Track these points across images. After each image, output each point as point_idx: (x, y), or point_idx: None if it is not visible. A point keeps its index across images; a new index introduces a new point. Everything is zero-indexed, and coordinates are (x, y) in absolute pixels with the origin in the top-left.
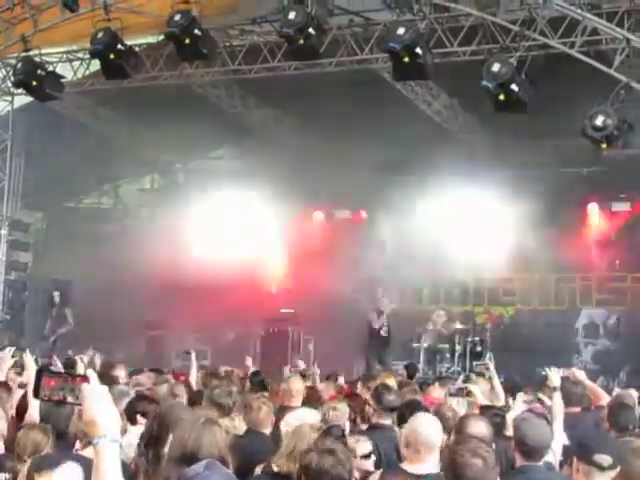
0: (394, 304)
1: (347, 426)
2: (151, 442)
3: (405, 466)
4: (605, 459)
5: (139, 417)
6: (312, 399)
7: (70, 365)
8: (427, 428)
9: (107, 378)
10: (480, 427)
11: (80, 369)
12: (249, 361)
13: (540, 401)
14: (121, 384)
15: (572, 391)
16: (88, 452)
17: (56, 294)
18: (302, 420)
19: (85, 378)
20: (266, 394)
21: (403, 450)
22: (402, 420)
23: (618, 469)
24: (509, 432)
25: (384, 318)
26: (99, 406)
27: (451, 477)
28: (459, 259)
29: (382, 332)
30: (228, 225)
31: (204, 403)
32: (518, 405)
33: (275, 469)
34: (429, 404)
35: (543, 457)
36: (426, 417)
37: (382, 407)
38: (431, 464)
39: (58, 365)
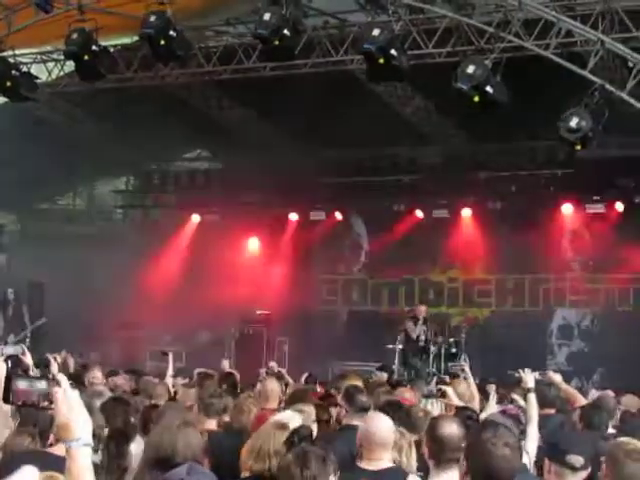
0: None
1: (315, 427)
2: (116, 436)
3: (362, 465)
4: (577, 460)
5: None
6: (296, 400)
7: (44, 364)
8: (379, 426)
9: (81, 380)
10: (452, 428)
11: (54, 368)
12: (225, 364)
13: (512, 401)
14: (97, 385)
15: (546, 393)
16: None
17: (10, 291)
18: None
19: (56, 381)
20: (252, 395)
21: (359, 449)
22: None
23: (589, 469)
24: None
25: (421, 326)
26: (71, 410)
27: (480, 466)
28: (434, 260)
29: (420, 341)
30: (203, 227)
31: (196, 405)
32: (491, 406)
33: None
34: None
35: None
36: (378, 416)
37: (353, 408)
38: (386, 460)
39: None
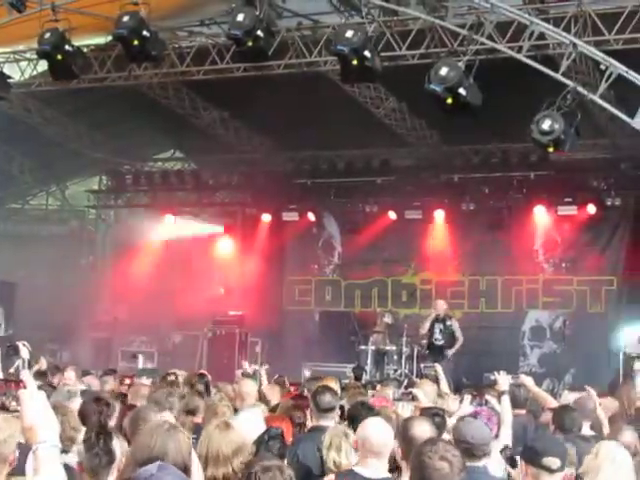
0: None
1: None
2: (102, 433)
3: (358, 469)
4: (554, 462)
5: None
6: (264, 402)
7: (14, 350)
8: (378, 434)
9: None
10: (424, 429)
11: (24, 353)
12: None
13: (486, 403)
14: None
15: (516, 394)
16: None
17: None
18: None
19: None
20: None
21: (358, 453)
22: (352, 421)
23: (565, 471)
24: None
25: (437, 323)
26: (37, 412)
27: (418, 478)
28: (407, 262)
29: (436, 340)
30: (176, 227)
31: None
32: (465, 406)
33: None
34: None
35: (483, 457)
36: (377, 422)
37: (319, 409)
38: (383, 468)
39: None
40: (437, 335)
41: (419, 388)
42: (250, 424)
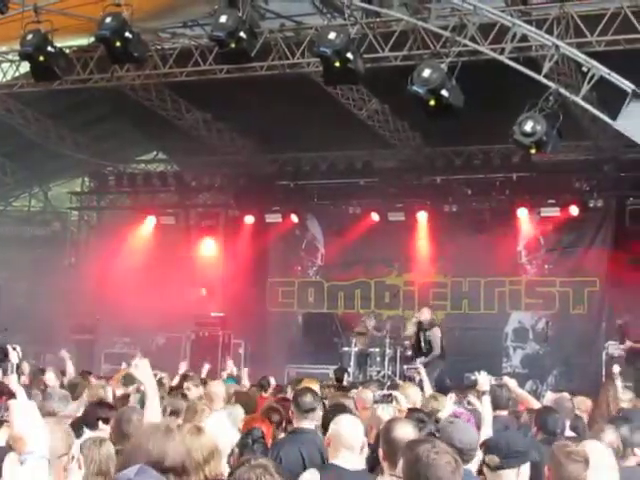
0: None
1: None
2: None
3: (337, 462)
4: (492, 459)
5: (100, 423)
6: (242, 403)
7: (2, 353)
8: (350, 428)
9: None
10: (406, 430)
11: (13, 357)
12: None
13: (469, 403)
14: (50, 388)
15: (498, 394)
16: None
17: None
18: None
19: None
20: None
21: (328, 449)
22: (327, 423)
23: (508, 470)
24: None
25: (419, 329)
26: (26, 422)
27: (415, 476)
28: (390, 263)
29: (423, 349)
30: (159, 229)
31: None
32: (447, 408)
33: None
34: (359, 407)
35: (470, 461)
36: (348, 418)
37: (301, 410)
38: (358, 461)
39: None
40: (422, 344)
41: (401, 391)
42: (220, 427)
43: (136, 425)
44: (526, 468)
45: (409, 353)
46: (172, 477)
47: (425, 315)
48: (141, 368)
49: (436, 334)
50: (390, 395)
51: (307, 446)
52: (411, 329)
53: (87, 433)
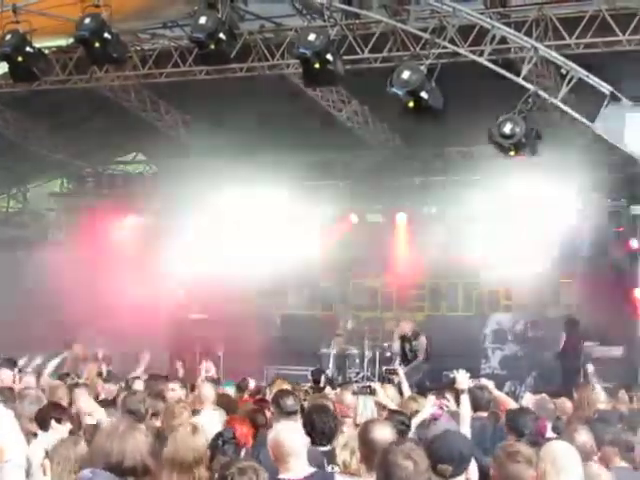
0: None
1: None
2: None
3: (282, 475)
4: (446, 469)
5: (53, 422)
6: (223, 405)
7: None
8: (289, 435)
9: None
10: (384, 432)
11: None
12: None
13: (446, 399)
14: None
15: (479, 396)
16: None
17: None
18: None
19: None
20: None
21: (275, 460)
22: (308, 424)
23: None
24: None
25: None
26: (3, 431)
27: (382, 476)
28: (368, 265)
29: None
30: (138, 230)
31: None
32: (426, 409)
33: None
34: (338, 409)
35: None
36: (287, 425)
37: (283, 412)
38: (300, 469)
39: None
40: (408, 355)
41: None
42: (210, 427)
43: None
44: (473, 467)
45: (387, 354)
46: (131, 479)
47: (404, 329)
48: None
49: (422, 343)
50: (369, 387)
51: None
52: (396, 345)
53: (40, 434)
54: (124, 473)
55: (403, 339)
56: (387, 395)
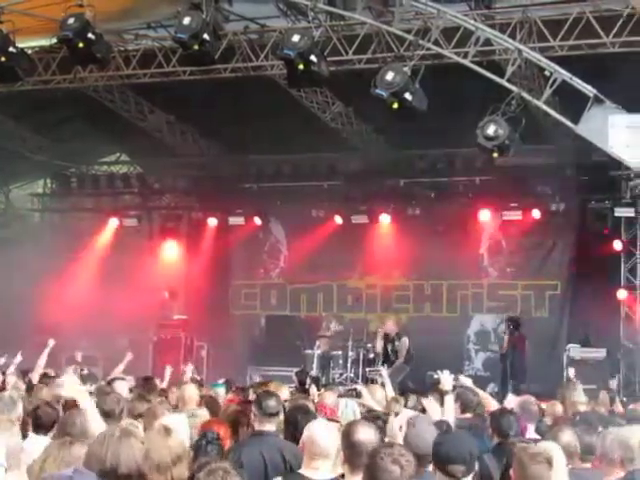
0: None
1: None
2: None
3: (303, 471)
4: (458, 469)
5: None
6: (207, 406)
7: None
8: (322, 435)
9: None
10: (368, 433)
11: None
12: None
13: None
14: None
15: (466, 398)
16: None
17: None
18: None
19: None
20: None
21: (305, 456)
22: (290, 424)
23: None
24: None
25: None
26: None
27: (368, 479)
28: (352, 266)
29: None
30: (121, 231)
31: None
32: (405, 411)
33: None
34: (320, 410)
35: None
36: (322, 424)
37: (264, 413)
38: (327, 470)
39: None
40: (390, 356)
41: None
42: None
43: (80, 429)
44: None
45: (371, 356)
46: None
47: (389, 327)
48: (67, 386)
49: (404, 344)
50: (355, 389)
51: (269, 449)
52: (379, 344)
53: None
54: (119, 478)
55: (386, 338)
56: (375, 397)
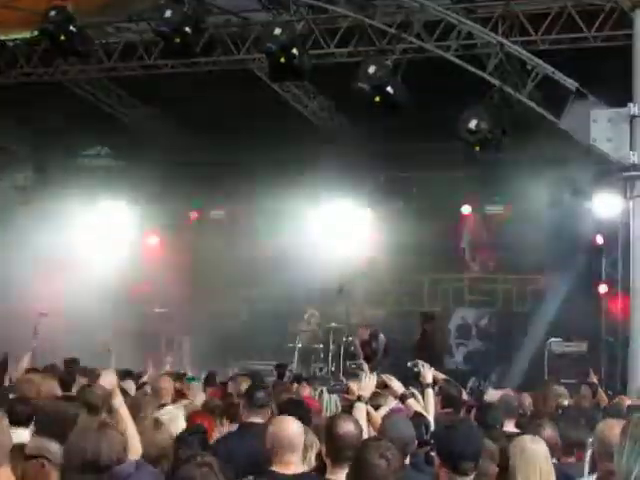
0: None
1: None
2: None
3: (275, 468)
4: (469, 466)
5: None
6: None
7: None
8: (288, 429)
9: None
10: (349, 427)
11: None
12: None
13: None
14: None
15: (452, 393)
16: None
17: None
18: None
19: None
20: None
21: (269, 452)
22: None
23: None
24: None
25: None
26: None
27: (354, 472)
28: (333, 260)
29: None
30: (99, 224)
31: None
32: (387, 404)
33: None
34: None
35: (407, 454)
36: (285, 418)
37: (254, 405)
38: (297, 464)
39: None
40: (371, 357)
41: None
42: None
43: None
44: None
45: (352, 349)
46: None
47: (362, 335)
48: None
49: (382, 340)
50: (346, 385)
51: (258, 440)
52: (360, 352)
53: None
54: (101, 470)
55: (363, 345)
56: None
